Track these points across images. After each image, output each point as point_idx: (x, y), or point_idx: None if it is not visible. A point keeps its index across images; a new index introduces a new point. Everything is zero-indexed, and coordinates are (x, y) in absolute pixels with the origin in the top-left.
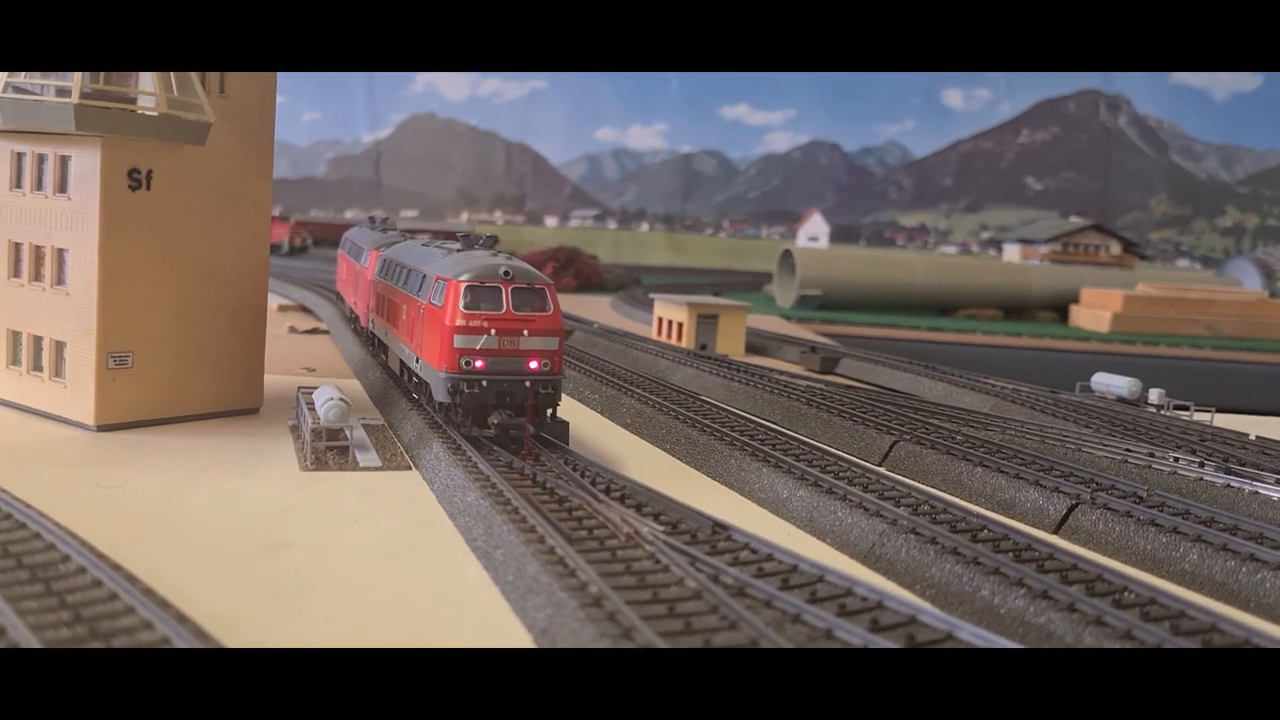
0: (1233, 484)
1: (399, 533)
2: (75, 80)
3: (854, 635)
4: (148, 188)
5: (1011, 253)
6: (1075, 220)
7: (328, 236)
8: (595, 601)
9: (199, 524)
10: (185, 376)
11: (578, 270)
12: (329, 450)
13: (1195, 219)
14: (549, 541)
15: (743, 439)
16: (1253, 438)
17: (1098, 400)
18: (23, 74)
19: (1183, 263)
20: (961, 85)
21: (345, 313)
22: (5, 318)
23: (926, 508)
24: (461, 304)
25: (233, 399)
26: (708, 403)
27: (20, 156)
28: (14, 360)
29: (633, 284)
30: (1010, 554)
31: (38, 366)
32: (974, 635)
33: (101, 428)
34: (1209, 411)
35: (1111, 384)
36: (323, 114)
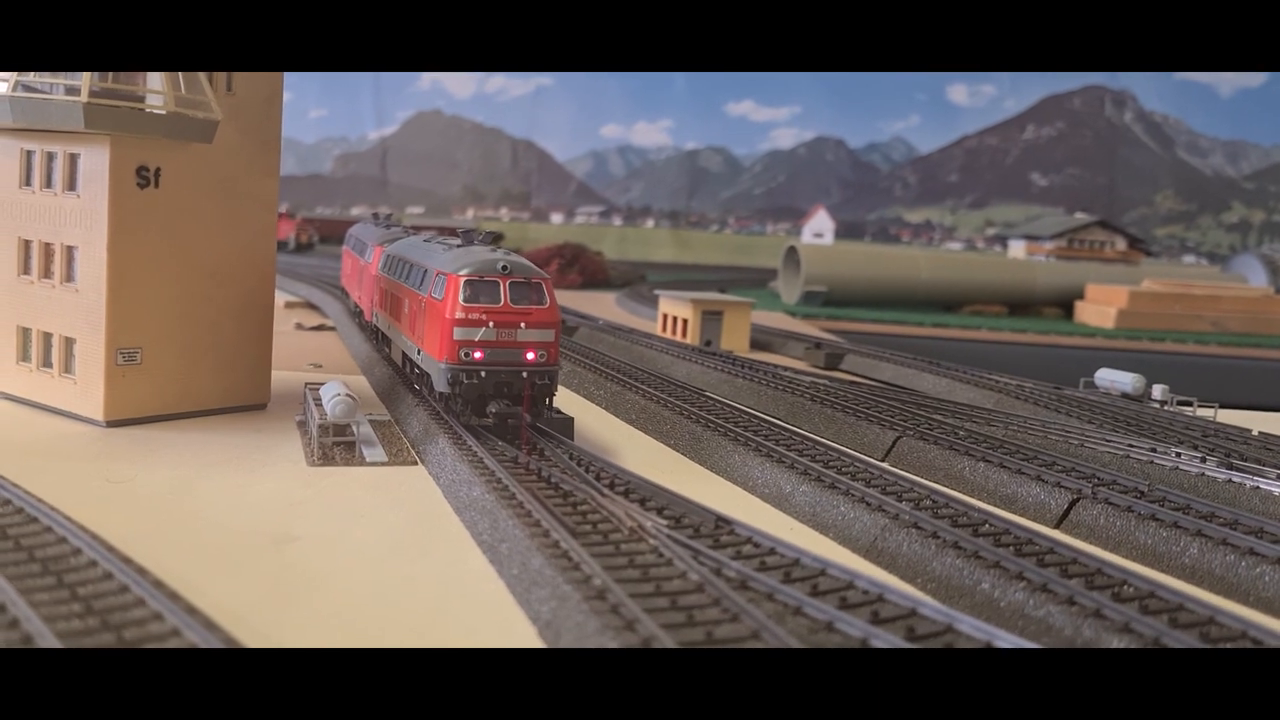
0: (1234, 479)
1: (405, 527)
2: (84, 79)
3: (854, 628)
4: (156, 185)
5: (1016, 249)
6: (1080, 216)
7: (334, 233)
8: (599, 594)
9: (207, 518)
10: (193, 372)
11: (583, 267)
12: (336, 445)
13: (1201, 215)
14: (553, 535)
15: (746, 434)
16: (1255, 433)
17: (1101, 396)
18: (33, 73)
19: (1188, 258)
20: (967, 81)
21: (350, 308)
22: (15, 314)
23: (928, 502)
24: (461, 297)
25: (240, 395)
26: (712, 398)
27: (30, 154)
28: (24, 356)
29: (638, 280)
30: (1011, 548)
31: (47, 363)
32: (974, 628)
33: (111, 423)
34: (1212, 407)
35: (1115, 380)
36: (329, 111)
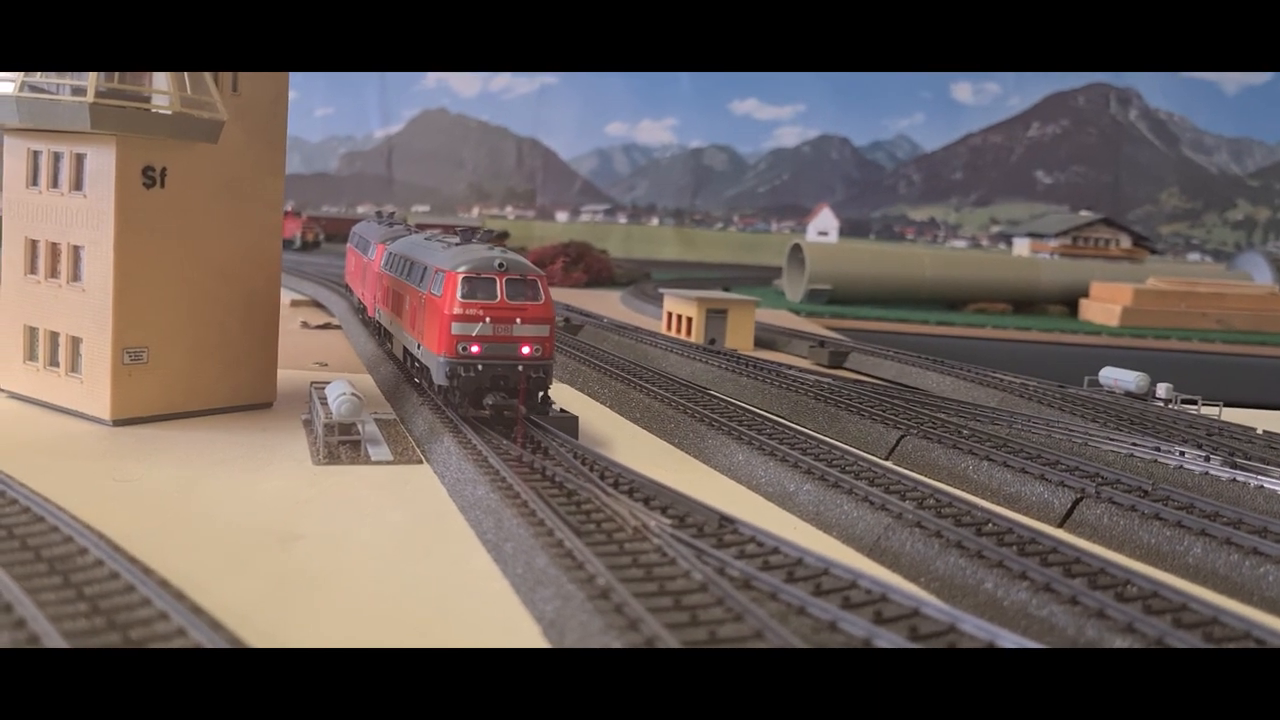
0: (1238, 478)
1: (410, 526)
2: (90, 79)
3: (858, 627)
4: (162, 185)
5: (1021, 247)
6: (1085, 214)
7: (339, 232)
8: (603, 593)
9: (213, 517)
10: (199, 371)
11: (588, 265)
12: (341, 444)
13: (1206, 213)
14: (558, 535)
15: (750, 433)
16: (1260, 432)
17: (1105, 395)
18: (39, 73)
19: (1193, 256)
20: (971, 79)
21: (354, 304)
22: (22, 314)
23: (932, 502)
24: (459, 294)
25: (246, 394)
26: (716, 397)
27: (36, 154)
28: (30, 356)
29: (643, 279)
30: (1014, 547)
31: (54, 362)
32: (976, 628)
33: (117, 422)
34: (1216, 405)
35: (1119, 378)
36: (335, 109)
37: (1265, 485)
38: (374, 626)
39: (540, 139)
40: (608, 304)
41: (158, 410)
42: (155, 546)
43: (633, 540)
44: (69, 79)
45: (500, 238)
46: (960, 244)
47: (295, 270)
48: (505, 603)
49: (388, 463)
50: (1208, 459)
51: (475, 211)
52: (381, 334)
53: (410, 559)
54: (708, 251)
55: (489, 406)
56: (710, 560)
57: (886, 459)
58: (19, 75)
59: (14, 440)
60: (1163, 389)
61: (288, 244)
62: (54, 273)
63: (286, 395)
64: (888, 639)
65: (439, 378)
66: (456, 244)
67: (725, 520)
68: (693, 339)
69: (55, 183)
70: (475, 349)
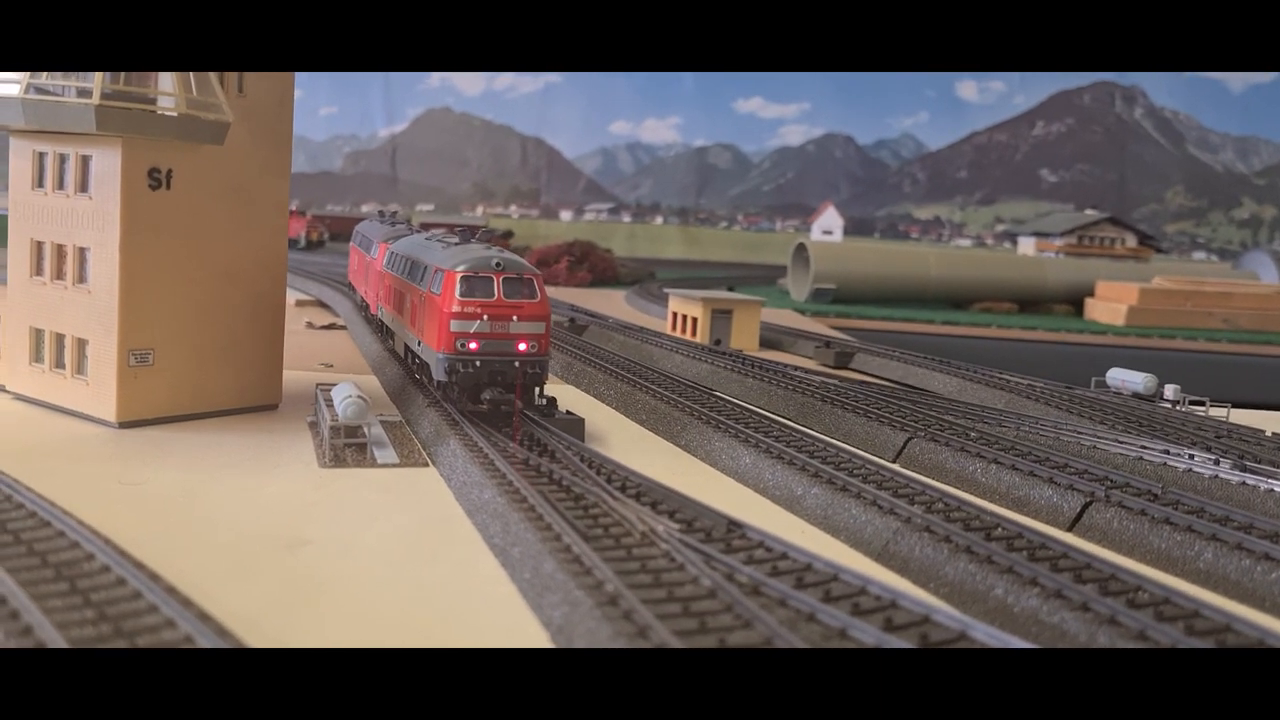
0: (1248, 481)
1: (417, 530)
2: (96, 81)
3: (867, 634)
4: (168, 187)
5: (1026, 246)
6: (1090, 213)
7: (344, 231)
8: (611, 600)
9: (219, 521)
10: (205, 373)
11: (592, 264)
12: (347, 447)
13: (1211, 211)
14: (565, 539)
15: (757, 435)
16: (1269, 434)
17: (1113, 396)
18: (44, 75)
19: (1199, 255)
20: (976, 78)
21: (357, 301)
22: (28, 316)
23: (940, 505)
24: (457, 292)
25: (252, 395)
26: (722, 398)
27: (42, 156)
28: (36, 358)
29: (647, 278)
30: (1024, 552)
31: (60, 364)
32: (987, 635)
33: (123, 425)
34: (1224, 407)
35: (1127, 379)
36: (339, 109)
37: (1276, 489)
38: (381, 632)
39: (544, 138)
40: (612, 304)
41: (163, 412)
42: (161, 551)
43: (640, 545)
44: (74, 80)
45: (505, 237)
46: (965, 243)
47: (299, 270)
48: (513, 608)
49: (394, 466)
50: (1217, 462)
51: (480, 210)
52: (383, 331)
53: (417, 563)
54: (712, 250)
55: (486, 401)
56: (719, 565)
57: (894, 462)
58: (24, 76)
59: (20, 442)
60: (1170, 390)
61: (292, 243)
62: (60, 274)
63: (291, 397)
64: (898, 646)
65: (438, 373)
66: (455, 243)
67: (733, 525)
68: (698, 339)
69: (61, 184)
70: (473, 346)
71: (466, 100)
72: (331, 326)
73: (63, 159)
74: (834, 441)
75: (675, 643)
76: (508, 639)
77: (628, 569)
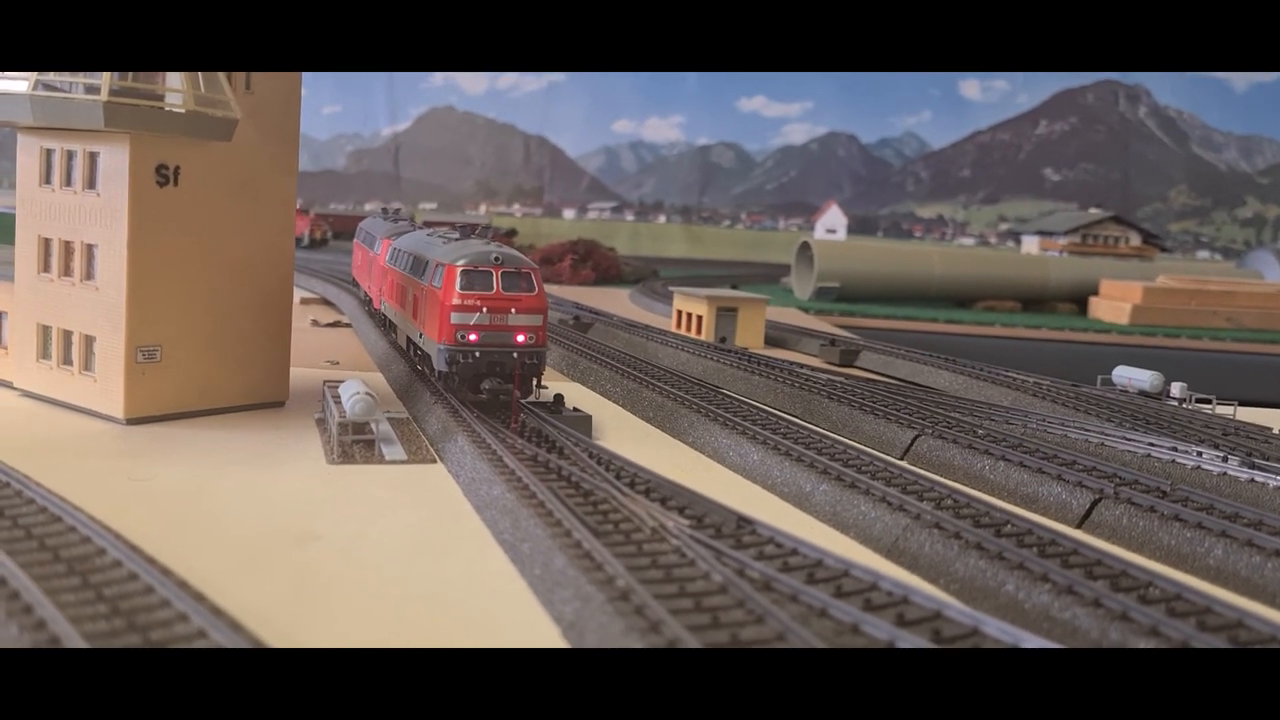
0: (1257, 478)
1: (425, 526)
2: (104, 78)
3: (880, 630)
4: (175, 184)
5: (1030, 244)
6: (1094, 212)
7: (347, 229)
8: (623, 595)
9: (229, 517)
10: (213, 370)
11: (596, 263)
12: (355, 444)
13: (1215, 210)
14: (575, 535)
15: (765, 433)
16: (1276, 431)
17: (1119, 394)
18: (53, 72)
19: (1203, 254)
20: (979, 77)
21: (361, 296)
22: (35, 312)
23: (949, 502)
24: (458, 285)
25: (259, 392)
26: (729, 396)
27: (49, 153)
28: (44, 354)
29: (650, 276)
30: (1034, 549)
31: (68, 360)
32: (1000, 631)
33: (131, 421)
34: (1231, 405)
35: (1133, 377)
36: (343, 107)
37: None
38: (392, 628)
39: (548, 136)
40: (616, 302)
41: (171, 409)
42: (172, 547)
43: (651, 541)
44: (82, 78)
45: (508, 235)
46: (968, 241)
47: (303, 268)
48: (524, 604)
49: (402, 462)
50: (1225, 459)
51: (482, 208)
52: (386, 325)
53: (427, 559)
54: (715, 249)
55: (486, 391)
56: (729, 561)
57: (901, 459)
58: (33, 74)
59: (29, 439)
60: (1176, 388)
61: (296, 241)
62: (67, 271)
63: (298, 394)
64: (911, 642)
65: (439, 364)
66: (456, 239)
67: (743, 521)
68: (703, 337)
69: (69, 181)
70: (473, 337)
71: (470, 99)
72: (336, 324)
73: (70, 155)
74: (842, 439)
75: (689, 637)
76: (519, 634)
77: (638, 564)
